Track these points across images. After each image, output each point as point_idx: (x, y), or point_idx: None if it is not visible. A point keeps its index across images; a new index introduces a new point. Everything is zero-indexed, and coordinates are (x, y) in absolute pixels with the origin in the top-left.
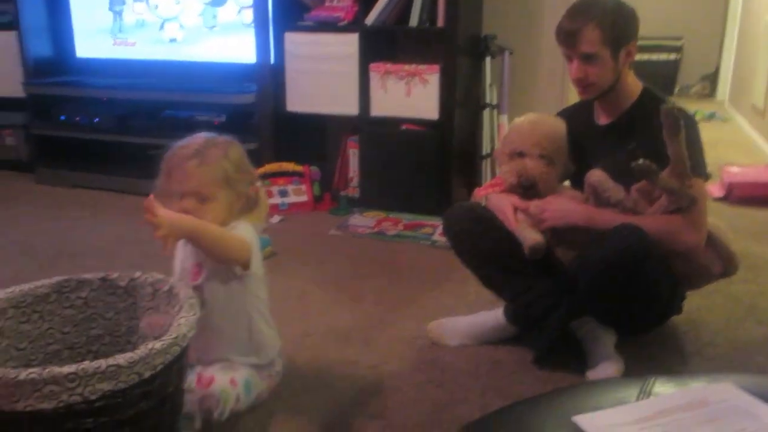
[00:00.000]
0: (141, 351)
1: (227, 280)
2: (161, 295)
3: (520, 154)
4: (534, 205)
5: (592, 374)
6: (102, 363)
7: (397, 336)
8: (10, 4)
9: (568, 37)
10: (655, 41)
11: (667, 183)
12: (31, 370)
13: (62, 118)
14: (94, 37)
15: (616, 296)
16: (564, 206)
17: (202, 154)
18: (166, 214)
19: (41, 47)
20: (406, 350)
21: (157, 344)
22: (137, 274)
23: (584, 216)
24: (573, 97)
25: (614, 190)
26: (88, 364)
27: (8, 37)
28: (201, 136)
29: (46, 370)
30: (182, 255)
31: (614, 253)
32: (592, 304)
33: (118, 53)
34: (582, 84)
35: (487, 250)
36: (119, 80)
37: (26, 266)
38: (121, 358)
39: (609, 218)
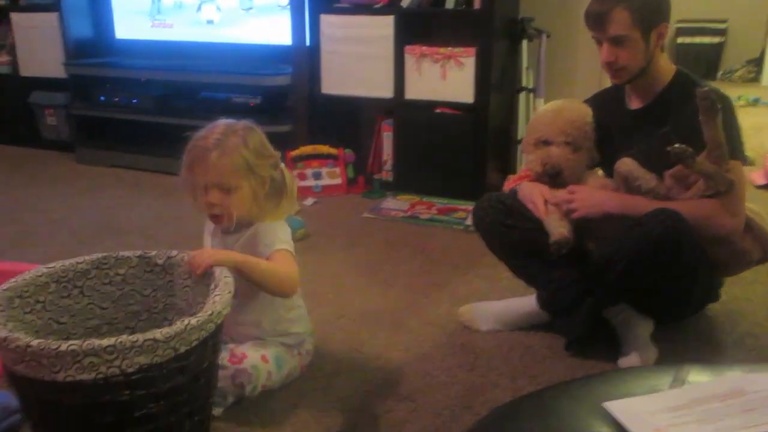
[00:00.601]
0: (177, 326)
1: None
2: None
3: (545, 142)
4: (563, 195)
5: (624, 362)
6: (139, 337)
7: (428, 320)
8: None
9: (596, 19)
10: (699, 24)
11: (704, 167)
12: (71, 342)
13: (102, 98)
14: (132, 18)
15: (652, 282)
16: (595, 195)
17: (222, 144)
18: (212, 256)
19: (82, 28)
20: (437, 334)
21: (193, 320)
22: (174, 252)
23: (617, 204)
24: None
25: (646, 178)
26: (125, 338)
27: (50, 19)
28: (220, 125)
29: (86, 342)
30: (210, 243)
31: (651, 238)
32: (626, 291)
33: (156, 35)
34: (613, 68)
35: (517, 242)
36: (157, 61)
37: (67, 243)
38: (158, 333)
39: (643, 205)
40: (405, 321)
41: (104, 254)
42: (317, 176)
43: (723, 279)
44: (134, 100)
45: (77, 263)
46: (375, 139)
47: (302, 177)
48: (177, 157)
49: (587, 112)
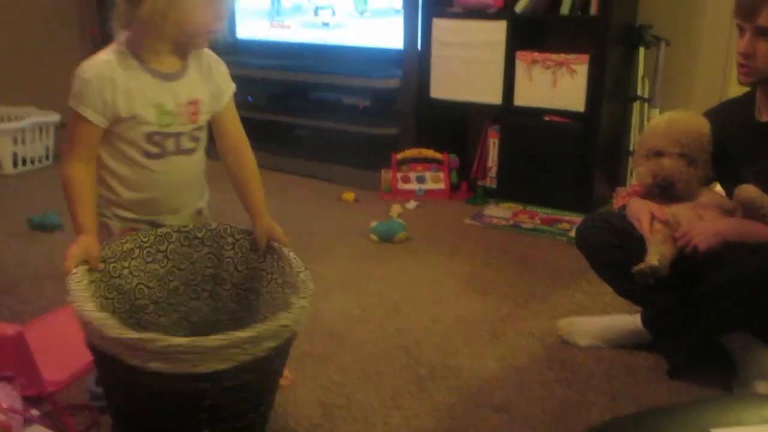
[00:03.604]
0: (296, 307)
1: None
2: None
3: (658, 153)
4: (679, 222)
5: (740, 391)
6: (273, 324)
7: (526, 331)
8: None
9: (750, 4)
10: None
11: None
12: (217, 336)
13: None
14: (253, 18)
15: None
16: (714, 225)
17: None
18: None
19: None
20: (534, 346)
21: (302, 301)
22: (213, 224)
23: (735, 231)
24: (733, 93)
25: None
26: (263, 327)
27: None
28: None
29: (231, 335)
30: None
31: None
32: (739, 319)
33: (274, 35)
34: (746, 60)
35: (622, 262)
36: (273, 61)
37: None
38: (285, 318)
39: (762, 231)
40: (502, 331)
41: (145, 231)
42: (421, 180)
43: None
44: (249, 98)
45: (122, 243)
46: (481, 145)
47: (406, 180)
48: (286, 156)
49: (704, 124)
